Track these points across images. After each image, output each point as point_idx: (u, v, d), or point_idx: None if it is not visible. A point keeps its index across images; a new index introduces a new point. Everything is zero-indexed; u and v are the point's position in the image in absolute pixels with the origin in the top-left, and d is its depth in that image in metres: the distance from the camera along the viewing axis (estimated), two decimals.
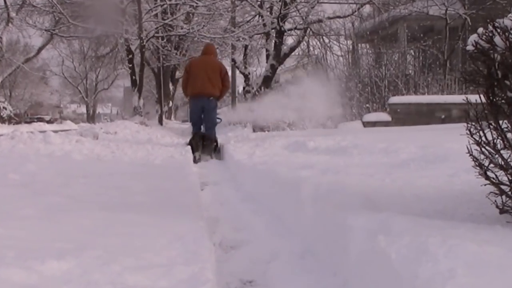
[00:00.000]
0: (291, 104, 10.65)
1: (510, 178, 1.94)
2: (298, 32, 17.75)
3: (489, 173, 1.98)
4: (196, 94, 7.69)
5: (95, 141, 8.10)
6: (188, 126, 14.23)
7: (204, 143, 7.58)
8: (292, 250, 2.53)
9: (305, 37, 18.33)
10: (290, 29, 17.58)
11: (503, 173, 1.95)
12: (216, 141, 7.98)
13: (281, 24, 16.49)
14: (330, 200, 2.48)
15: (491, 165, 1.97)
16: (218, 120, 8.16)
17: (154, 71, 22.64)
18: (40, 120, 34.45)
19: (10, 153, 5.91)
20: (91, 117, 47.75)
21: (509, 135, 1.91)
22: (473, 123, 1.98)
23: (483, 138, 1.96)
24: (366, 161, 4.20)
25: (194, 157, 7.12)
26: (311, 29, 17.84)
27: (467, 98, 1.98)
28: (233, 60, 17.91)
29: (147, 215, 2.83)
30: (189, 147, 7.51)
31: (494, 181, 1.97)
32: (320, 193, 2.66)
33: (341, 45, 18.64)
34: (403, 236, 1.66)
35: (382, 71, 14.17)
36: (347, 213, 2.13)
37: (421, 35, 17.02)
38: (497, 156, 1.95)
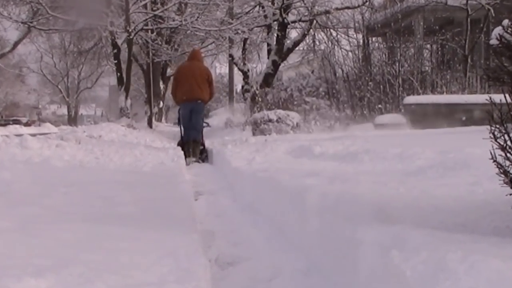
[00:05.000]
0: None
1: None
2: (303, 24, 17.77)
3: None
4: (186, 99, 8.62)
5: (77, 145, 8.09)
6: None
7: (194, 148, 8.42)
8: (296, 266, 2.53)
9: (311, 30, 18.35)
10: (294, 21, 17.59)
11: None
12: (203, 144, 8.87)
13: (284, 15, 16.53)
14: (338, 211, 2.48)
15: None
16: (204, 124, 9.13)
17: (143, 67, 22.68)
18: (16, 122, 34.47)
19: None
20: (73, 119, 47.85)
21: None
22: (497, 126, 1.98)
23: (508, 143, 1.96)
24: (378, 168, 4.20)
25: (186, 162, 7.71)
26: (317, 21, 17.87)
27: (490, 98, 1.98)
28: (230, 55, 17.95)
29: (135, 228, 2.83)
30: (182, 153, 7.85)
31: None
32: (327, 204, 2.66)
33: (350, 39, 18.67)
34: (420, 251, 1.66)
35: (395, 68, 14.19)
36: (357, 226, 2.14)
37: (439, 27, 17.05)
38: None
